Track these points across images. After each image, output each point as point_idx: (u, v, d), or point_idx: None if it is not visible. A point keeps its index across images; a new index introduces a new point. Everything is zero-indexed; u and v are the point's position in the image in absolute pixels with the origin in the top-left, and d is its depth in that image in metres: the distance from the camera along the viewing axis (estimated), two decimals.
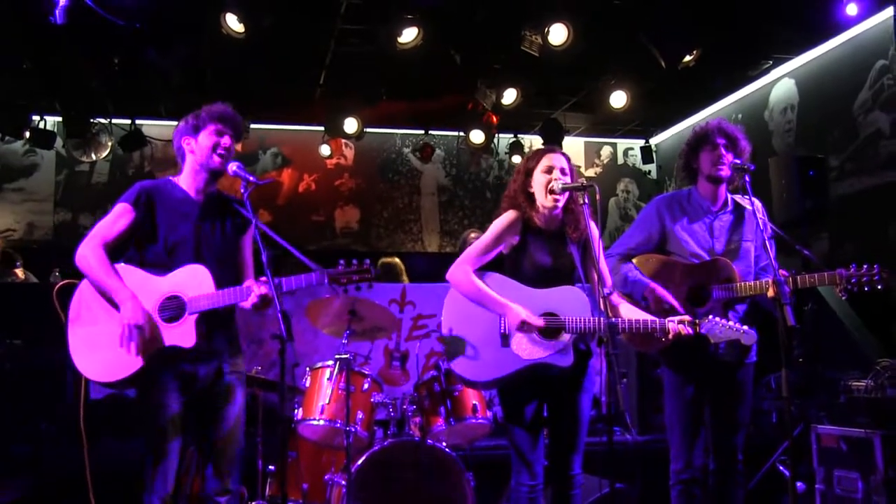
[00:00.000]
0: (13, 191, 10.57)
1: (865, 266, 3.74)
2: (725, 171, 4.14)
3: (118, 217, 3.56)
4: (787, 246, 4.24)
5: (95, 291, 3.53)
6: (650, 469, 5.29)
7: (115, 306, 3.46)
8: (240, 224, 3.75)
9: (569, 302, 3.83)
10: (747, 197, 4.06)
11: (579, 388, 3.93)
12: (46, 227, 10.48)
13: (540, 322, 3.76)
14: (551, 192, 3.87)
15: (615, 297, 3.95)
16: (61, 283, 3.79)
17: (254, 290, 3.45)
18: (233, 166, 3.58)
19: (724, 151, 4.13)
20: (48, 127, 9.87)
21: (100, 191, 10.71)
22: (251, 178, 3.52)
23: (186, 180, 3.70)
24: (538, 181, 3.93)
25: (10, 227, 10.49)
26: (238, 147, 3.75)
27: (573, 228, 3.96)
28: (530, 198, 3.96)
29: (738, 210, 4.23)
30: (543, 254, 3.93)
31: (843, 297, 3.76)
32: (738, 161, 4.09)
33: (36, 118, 9.64)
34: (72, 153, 10.30)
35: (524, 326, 3.76)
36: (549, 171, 3.91)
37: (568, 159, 3.99)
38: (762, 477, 5.78)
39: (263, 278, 3.42)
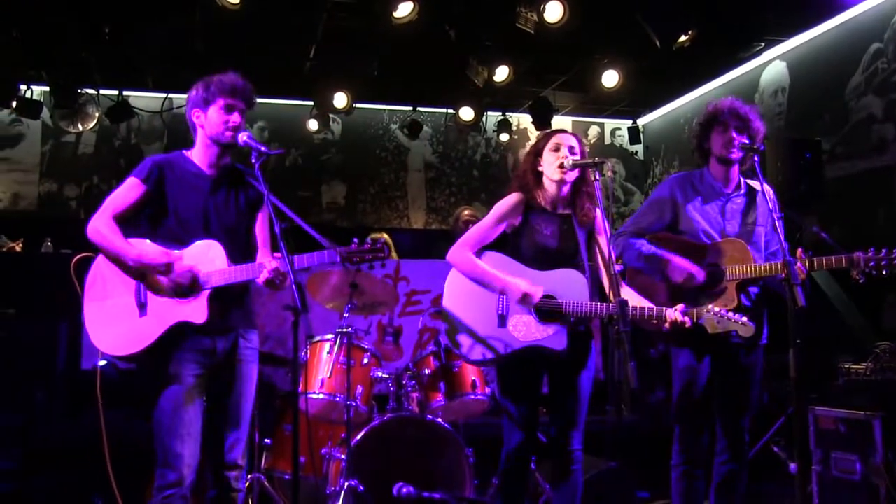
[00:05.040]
0: None
1: (884, 250, 3.73)
2: (736, 154, 4.12)
3: (129, 191, 3.52)
4: (786, 230, 4.24)
5: (111, 264, 3.48)
6: (644, 449, 5.33)
7: (138, 277, 3.44)
8: (254, 198, 3.68)
9: (567, 284, 3.85)
10: (757, 180, 4.05)
11: (581, 367, 3.94)
12: (31, 197, 10.33)
13: (540, 293, 3.77)
14: (560, 167, 3.90)
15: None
16: (79, 255, 3.70)
17: (266, 265, 3.39)
18: (243, 136, 3.50)
19: (735, 133, 4.09)
20: (35, 96, 9.70)
21: (86, 162, 10.57)
22: (262, 149, 3.43)
23: (199, 154, 3.63)
24: (547, 160, 3.97)
25: None
26: None
27: (581, 210, 4.00)
28: (538, 177, 4.00)
29: (751, 193, 4.21)
30: (546, 235, 3.95)
31: (861, 281, 3.75)
32: (746, 141, 4.07)
33: (23, 87, 9.47)
34: (58, 123, 10.18)
35: (525, 299, 3.78)
36: (557, 148, 3.95)
37: (579, 140, 4.02)
38: (754, 457, 5.82)
39: (278, 254, 3.37)
